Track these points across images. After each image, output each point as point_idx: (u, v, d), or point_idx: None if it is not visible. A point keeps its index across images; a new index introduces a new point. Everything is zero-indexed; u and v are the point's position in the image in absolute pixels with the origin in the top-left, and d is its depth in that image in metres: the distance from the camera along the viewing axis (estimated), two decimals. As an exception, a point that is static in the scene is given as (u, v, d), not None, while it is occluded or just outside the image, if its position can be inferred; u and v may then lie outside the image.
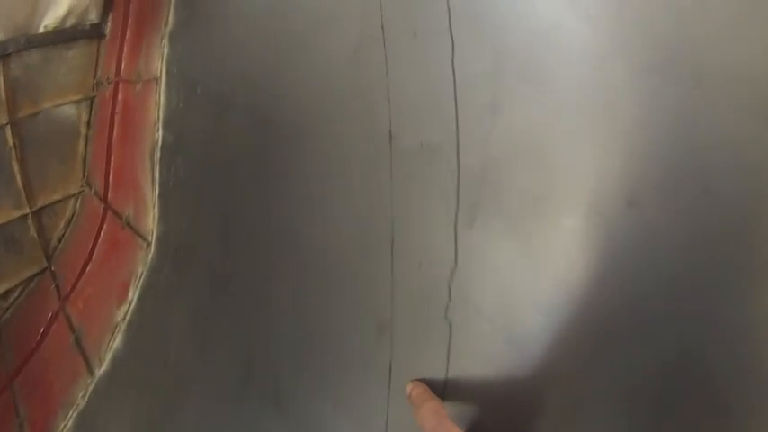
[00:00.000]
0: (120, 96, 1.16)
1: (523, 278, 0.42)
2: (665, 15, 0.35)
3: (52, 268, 1.61)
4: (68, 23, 1.34)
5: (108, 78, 1.27)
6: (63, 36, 1.34)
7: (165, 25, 0.92)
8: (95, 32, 1.37)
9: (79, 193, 1.53)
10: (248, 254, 0.78)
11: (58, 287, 1.52)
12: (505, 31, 0.43)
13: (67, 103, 1.42)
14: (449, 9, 0.48)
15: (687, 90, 0.34)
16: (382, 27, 0.55)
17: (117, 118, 1.18)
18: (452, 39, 0.48)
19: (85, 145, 1.46)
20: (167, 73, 0.92)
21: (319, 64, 0.64)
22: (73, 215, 1.57)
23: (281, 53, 0.71)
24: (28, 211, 1.46)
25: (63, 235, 1.60)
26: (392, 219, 0.55)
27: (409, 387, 0.55)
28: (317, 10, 0.64)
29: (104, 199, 1.31)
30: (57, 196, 1.55)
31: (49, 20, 1.31)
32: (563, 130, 0.40)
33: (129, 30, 1.12)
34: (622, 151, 0.37)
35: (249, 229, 0.78)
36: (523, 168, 0.42)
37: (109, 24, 1.35)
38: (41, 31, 1.31)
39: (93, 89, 1.41)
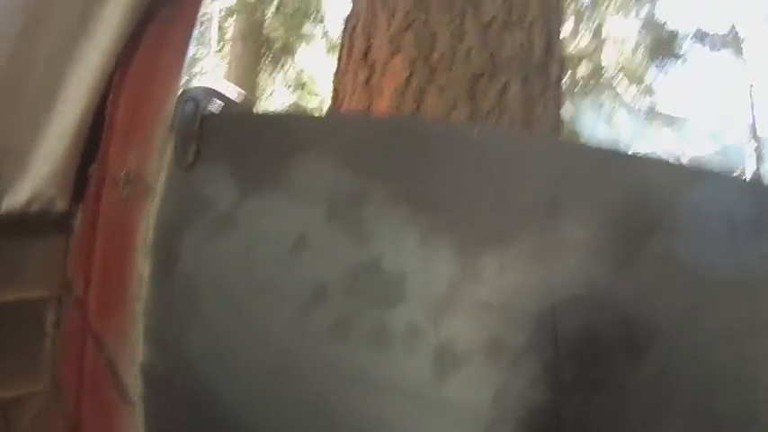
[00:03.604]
0: (87, 348, 0.88)
1: None
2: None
3: (18, 462, 1.36)
4: (33, 209, 1.07)
5: (75, 297, 0.99)
6: (28, 224, 1.07)
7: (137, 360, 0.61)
8: (64, 225, 1.09)
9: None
10: None
11: (23, 491, 1.28)
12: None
13: (33, 300, 1.15)
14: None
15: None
16: None
17: (87, 371, 0.89)
18: None
19: (52, 345, 1.19)
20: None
21: None
22: (40, 411, 1.30)
23: None
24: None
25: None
26: None
27: None
28: None
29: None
30: (21, 391, 1.28)
31: (9, 203, 1.05)
32: None
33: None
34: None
35: None
36: None
37: (78, 218, 1.07)
38: (2, 212, 1.06)
39: (63, 288, 1.13)
